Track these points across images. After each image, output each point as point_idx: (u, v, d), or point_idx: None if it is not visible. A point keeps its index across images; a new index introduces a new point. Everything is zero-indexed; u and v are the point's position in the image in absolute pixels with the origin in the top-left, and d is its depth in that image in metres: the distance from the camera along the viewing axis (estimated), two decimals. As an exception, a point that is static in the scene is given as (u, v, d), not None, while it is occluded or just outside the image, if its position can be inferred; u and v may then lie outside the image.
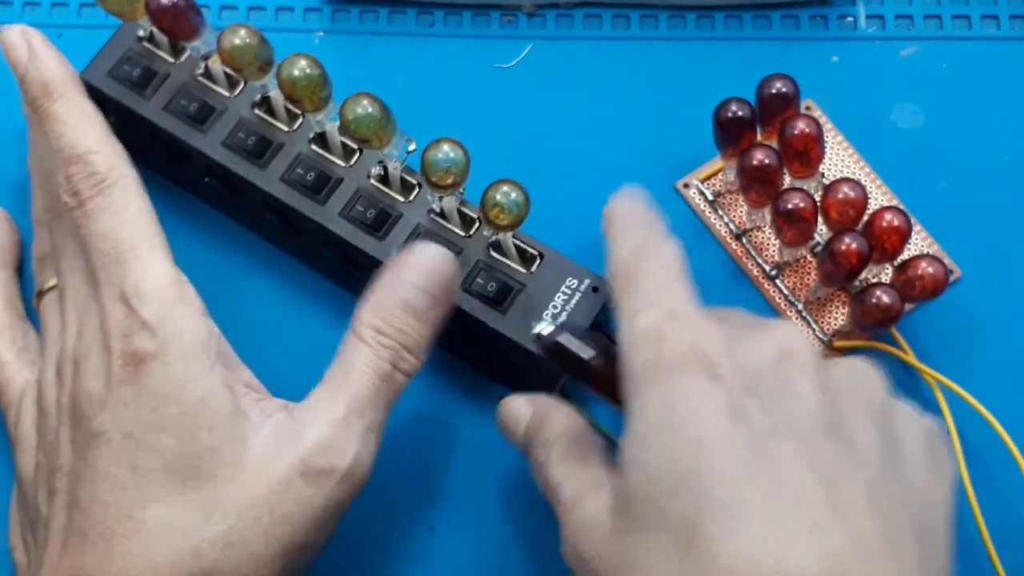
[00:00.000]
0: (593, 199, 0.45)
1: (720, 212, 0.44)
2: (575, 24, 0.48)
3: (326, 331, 0.39)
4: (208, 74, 0.42)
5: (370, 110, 0.37)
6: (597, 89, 0.47)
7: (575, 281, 0.39)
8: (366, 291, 0.36)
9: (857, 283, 0.42)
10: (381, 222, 0.40)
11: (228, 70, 0.41)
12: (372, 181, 0.40)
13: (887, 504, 0.29)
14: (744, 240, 0.44)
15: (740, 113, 0.41)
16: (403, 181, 0.40)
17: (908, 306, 0.41)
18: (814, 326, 0.42)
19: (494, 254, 0.40)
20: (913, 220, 0.41)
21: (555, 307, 0.39)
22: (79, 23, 0.49)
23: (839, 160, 0.45)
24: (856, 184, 0.41)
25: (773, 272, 0.43)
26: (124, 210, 0.35)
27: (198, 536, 0.32)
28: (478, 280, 0.39)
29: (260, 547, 0.32)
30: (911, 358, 0.41)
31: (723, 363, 0.30)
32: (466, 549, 0.40)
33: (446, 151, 0.37)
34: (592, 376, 0.34)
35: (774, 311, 0.43)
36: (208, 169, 0.42)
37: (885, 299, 0.39)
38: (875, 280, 0.42)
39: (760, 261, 0.43)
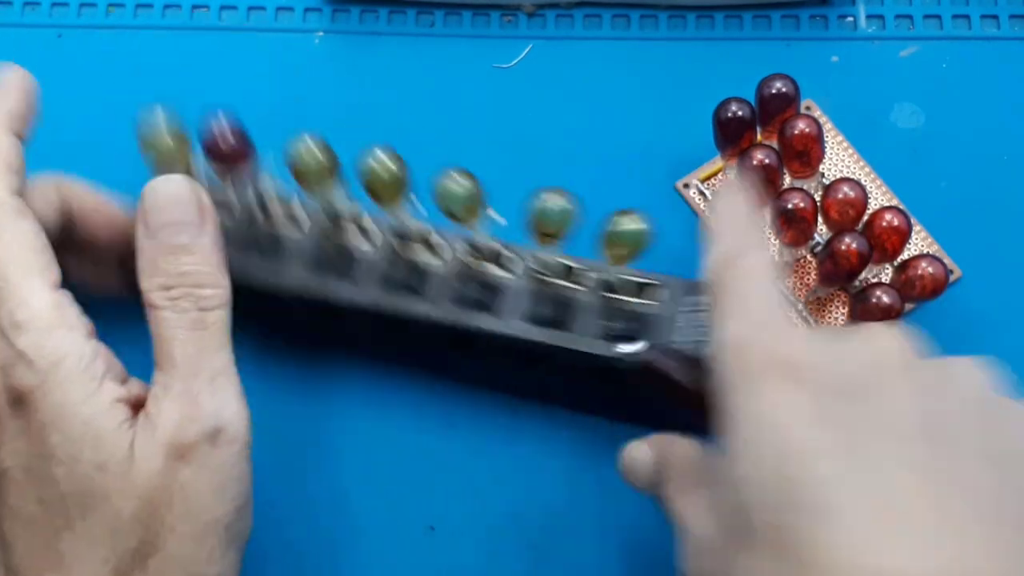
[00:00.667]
0: (593, 199, 0.45)
1: (720, 212, 0.44)
2: (575, 24, 0.48)
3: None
4: (265, 211, 0.41)
5: (465, 184, 0.37)
6: (597, 89, 0.47)
7: (693, 298, 0.39)
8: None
9: (857, 283, 0.42)
10: (491, 297, 0.39)
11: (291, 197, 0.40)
12: (464, 260, 0.39)
13: (995, 509, 0.28)
14: (744, 240, 0.44)
15: (740, 113, 0.41)
16: (497, 252, 0.40)
17: (908, 306, 0.41)
18: (814, 326, 0.42)
19: (609, 295, 0.39)
20: (913, 220, 0.41)
21: (682, 327, 0.38)
22: (79, 23, 0.49)
23: (839, 160, 0.45)
24: (856, 184, 0.41)
25: (773, 272, 0.43)
26: None
27: (115, 557, 0.31)
28: (604, 323, 0.38)
29: (175, 547, 0.32)
30: (911, 358, 0.41)
31: (809, 367, 0.29)
32: (466, 549, 0.40)
33: (556, 201, 0.36)
34: (684, 397, 0.35)
35: (774, 311, 0.43)
36: (295, 302, 0.40)
37: (885, 299, 0.39)
38: (875, 280, 0.42)
39: (760, 261, 0.43)
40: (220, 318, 0.34)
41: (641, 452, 0.36)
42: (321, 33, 0.49)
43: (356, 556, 0.40)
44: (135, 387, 0.34)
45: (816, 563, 0.27)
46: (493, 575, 0.40)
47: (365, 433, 0.42)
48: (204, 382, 0.33)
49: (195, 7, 0.49)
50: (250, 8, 0.49)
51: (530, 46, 0.48)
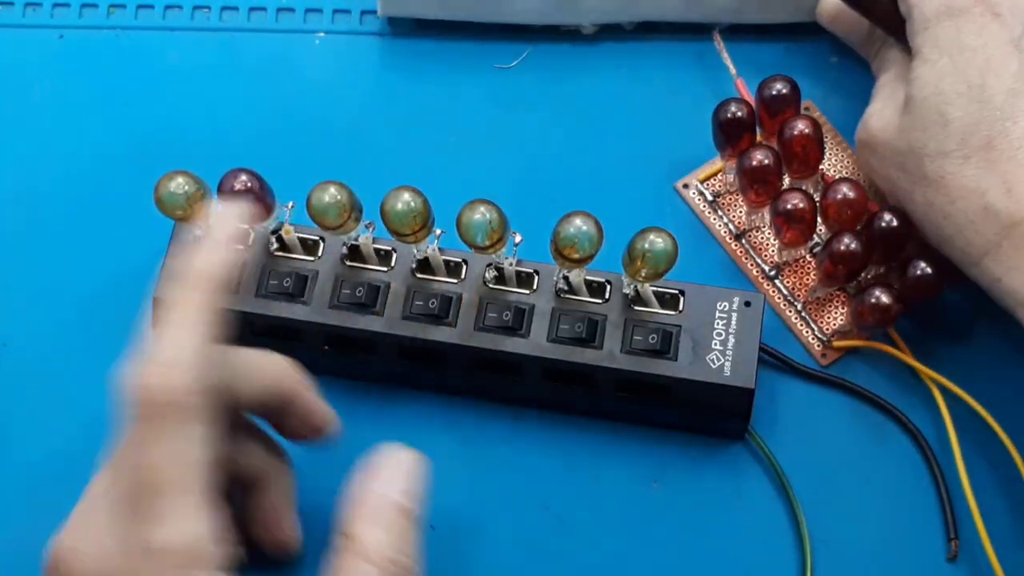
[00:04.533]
0: (593, 199, 0.45)
1: (719, 212, 0.44)
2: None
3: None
4: (284, 247, 0.41)
5: (487, 216, 0.37)
6: (597, 89, 0.47)
7: (725, 304, 0.39)
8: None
9: (856, 283, 0.42)
10: (519, 320, 0.39)
11: (304, 235, 0.41)
12: (490, 286, 0.40)
13: None
14: (743, 240, 0.44)
15: (739, 114, 0.42)
16: (519, 275, 0.40)
17: (907, 306, 0.41)
18: (813, 326, 0.42)
19: (637, 308, 0.40)
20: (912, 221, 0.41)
21: (719, 334, 0.39)
22: (80, 24, 0.49)
23: (838, 161, 0.45)
24: (855, 185, 0.41)
25: (772, 272, 0.43)
26: None
27: None
28: (636, 337, 0.39)
29: None
30: (909, 358, 0.41)
31: (1003, 5, 0.38)
32: (466, 548, 0.40)
33: (578, 225, 0.37)
34: (872, 6, 0.42)
35: (773, 311, 0.43)
36: (325, 338, 0.41)
37: (884, 299, 0.39)
38: (874, 280, 0.42)
39: (759, 261, 0.43)
40: None
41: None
42: (322, 34, 0.49)
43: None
44: None
45: (990, 149, 0.37)
46: (493, 574, 0.40)
47: (366, 433, 0.42)
48: None
49: (196, 8, 0.49)
50: (251, 9, 0.49)
51: (530, 47, 0.48)
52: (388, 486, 0.33)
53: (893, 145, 0.39)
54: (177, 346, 0.31)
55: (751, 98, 0.43)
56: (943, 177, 0.37)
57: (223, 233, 0.34)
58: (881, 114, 0.40)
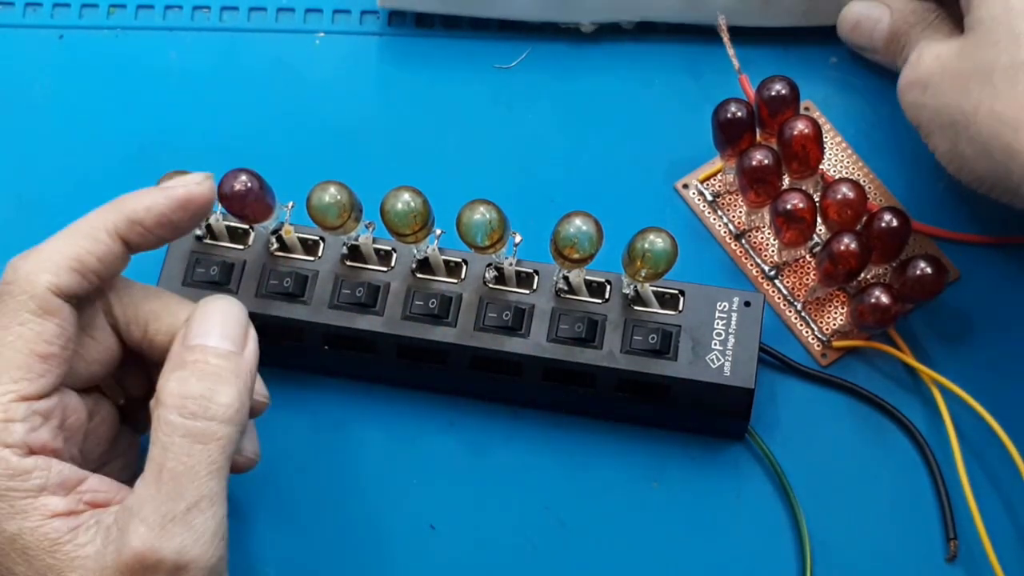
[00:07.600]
0: (593, 199, 0.45)
1: (719, 212, 0.44)
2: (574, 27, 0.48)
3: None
4: (284, 247, 0.41)
5: (487, 216, 0.37)
6: (597, 89, 0.47)
7: (725, 304, 0.39)
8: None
9: (856, 283, 0.42)
10: (519, 320, 0.39)
11: (304, 235, 0.41)
12: (490, 286, 0.40)
13: None
14: (743, 240, 0.44)
15: (739, 114, 0.42)
16: (519, 275, 0.40)
17: (906, 306, 0.41)
18: (813, 326, 0.42)
19: (637, 308, 0.40)
20: (911, 221, 0.41)
21: (719, 334, 0.39)
22: (80, 24, 0.49)
23: (838, 161, 0.45)
24: (855, 185, 0.41)
25: (772, 272, 0.43)
26: None
27: None
28: (636, 337, 0.39)
29: None
30: (909, 358, 0.41)
31: None
32: (466, 548, 0.40)
33: (578, 225, 0.37)
34: None
35: (773, 311, 0.43)
36: (325, 338, 0.41)
37: (884, 299, 0.39)
38: (874, 280, 0.42)
39: (759, 261, 0.44)
40: (225, 435, 0.32)
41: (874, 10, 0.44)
42: (322, 34, 0.49)
43: (358, 554, 0.40)
44: (94, 487, 0.33)
45: None
46: (493, 574, 0.40)
47: (366, 433, 0.42)
48: (182, 510, 0.31)
49: (196, 8, 0.49)
50: (251, 9, 0.49)
51: (530, 47, 0.48)
52: (198, 337, 0.34)
53: (953, 68, 0.40)
54: (54, 248, 0.34)
55: (754, 94, 0.43)
56: (1015, 87, 0.38)
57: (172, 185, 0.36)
58: (930, 50, 0.41)
